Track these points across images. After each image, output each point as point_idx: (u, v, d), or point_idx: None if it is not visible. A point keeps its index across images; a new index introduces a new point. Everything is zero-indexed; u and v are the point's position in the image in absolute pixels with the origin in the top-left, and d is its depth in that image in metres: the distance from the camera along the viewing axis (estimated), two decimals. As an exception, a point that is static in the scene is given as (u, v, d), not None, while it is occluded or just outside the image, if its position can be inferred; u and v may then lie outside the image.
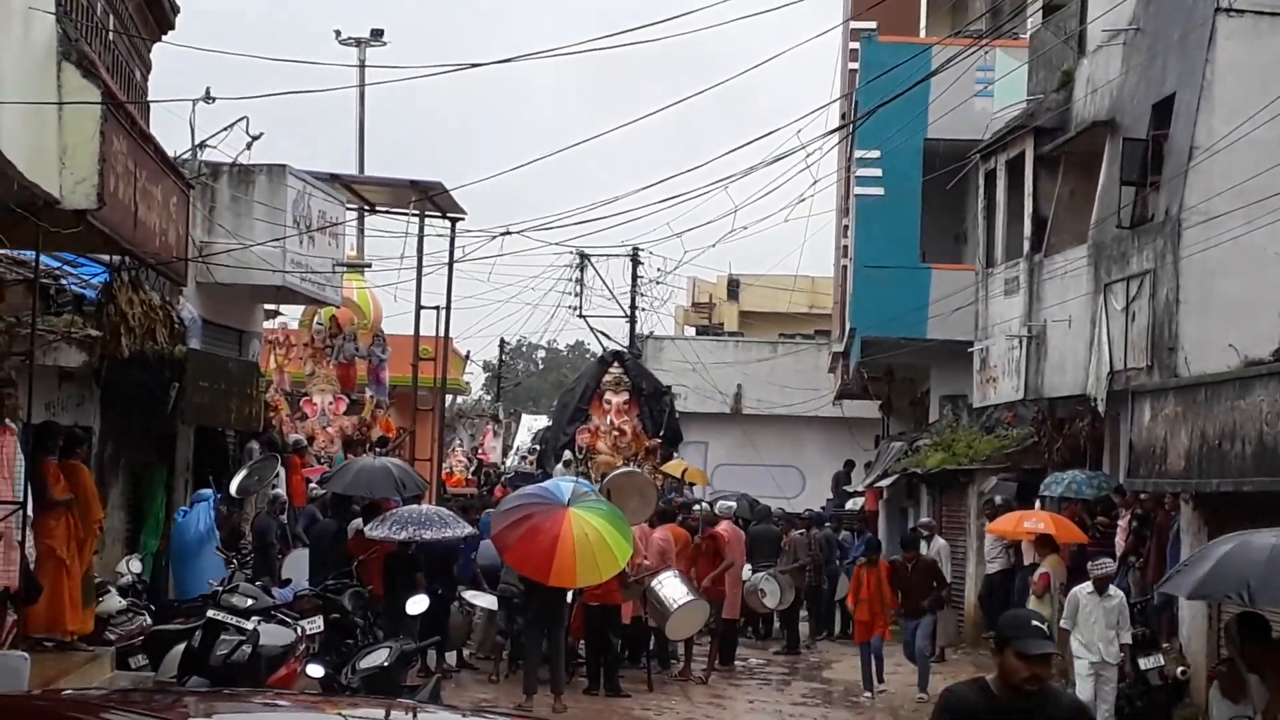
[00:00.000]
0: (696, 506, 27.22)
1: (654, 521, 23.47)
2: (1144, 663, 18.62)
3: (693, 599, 21.69)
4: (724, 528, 24.45)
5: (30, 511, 13.95)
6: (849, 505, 38.14)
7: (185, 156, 22.21)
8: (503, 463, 47.82)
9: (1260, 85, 20.24)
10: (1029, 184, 26.91)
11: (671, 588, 21.64)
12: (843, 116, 37.17)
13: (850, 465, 42.03)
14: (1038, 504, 25.82)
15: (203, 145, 23.08)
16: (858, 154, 35.79)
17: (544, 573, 18.84)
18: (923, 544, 27.90)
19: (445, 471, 37.70)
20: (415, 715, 5.46)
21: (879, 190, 35.39)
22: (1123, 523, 22.61)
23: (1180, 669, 18.86)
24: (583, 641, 21.85)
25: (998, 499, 26.95)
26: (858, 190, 36.38)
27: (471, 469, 42.72)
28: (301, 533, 23.39)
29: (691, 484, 35.30)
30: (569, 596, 20.49)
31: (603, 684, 20.95)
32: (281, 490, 23.84)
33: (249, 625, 14.59)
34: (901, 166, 34.46)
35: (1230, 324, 20.37)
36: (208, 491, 20.49)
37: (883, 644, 22.36)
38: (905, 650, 22.92)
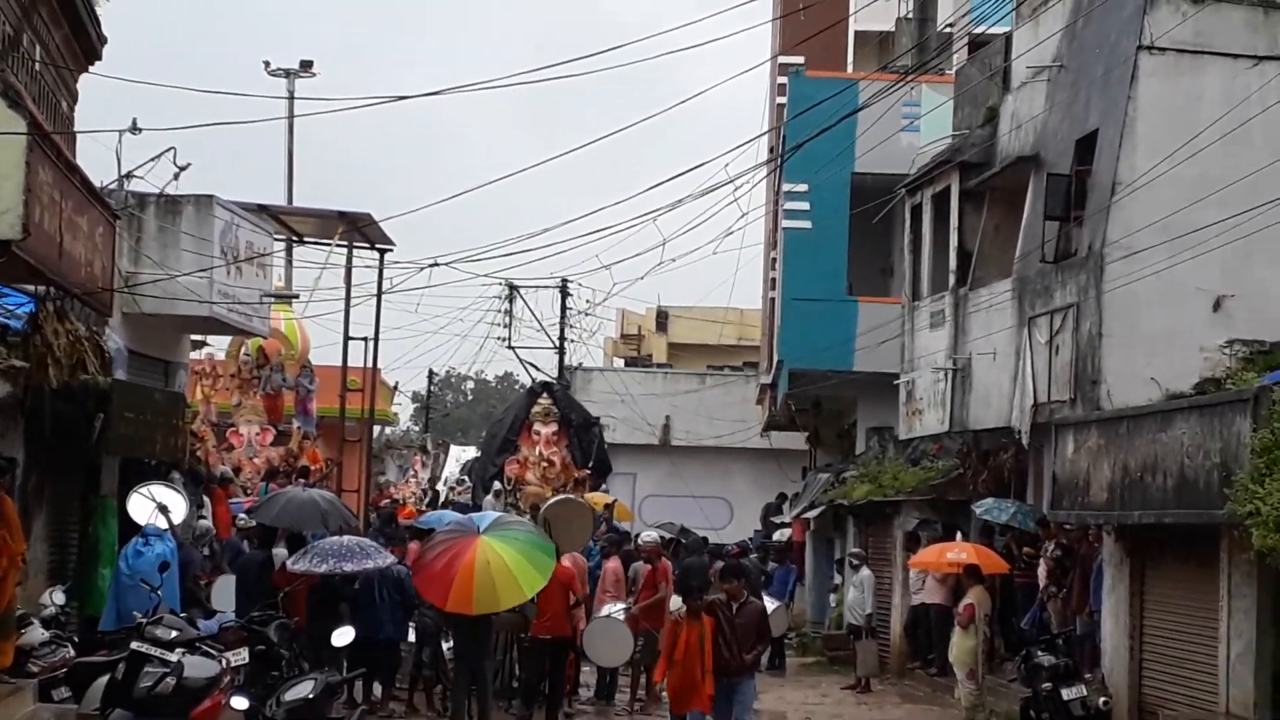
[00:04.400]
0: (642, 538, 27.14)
1: (607, 552, 23.74)
2: (1066, 693, 18.74)
3: (609, 618, 21.73)
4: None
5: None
6: (776, 536, 38.26)
7: (112, 187, 22.10)
8: (429, 493, 47.70)
9: (1181, 122, 20.51)
10: (954, 218, 27.11)
11: (604, 610, 21.83)
12: (771, 150, 37.38)
13: (783, 498, 42.16)
14: (958, 535, 26.02)
15: (129, 176, 22.99)
16: (786, 187, 35.98)
17: (442, 598, 18.84)
18: (850, 572, 28.09)
19: (399, 503, 37.58)
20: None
21: (807, 224, 35.59)
22: (1046, 554, 22.80)
23: (1102, 699, 19.00)
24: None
25: (922, 534, 27.12)
26: (786, 223, 36.56)
27: (426, 500, 42.56)
28: (224, 563, 23.26)
29: (617, 520, 35.31)
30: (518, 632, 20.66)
31: (546, 715, 20.97)
32: (208, 521, 23.70)
33: (173, 657, 14.48)
34: (829, 200, 34.68)
35: (1152, 357, 20.60)
36: (159, 526, 20.32)
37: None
38: None
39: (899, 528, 29.02)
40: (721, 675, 16.69)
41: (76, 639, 17.61)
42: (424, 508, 37.61)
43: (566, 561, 21.60)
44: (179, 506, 20.13)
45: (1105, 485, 19.50)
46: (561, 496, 27.23)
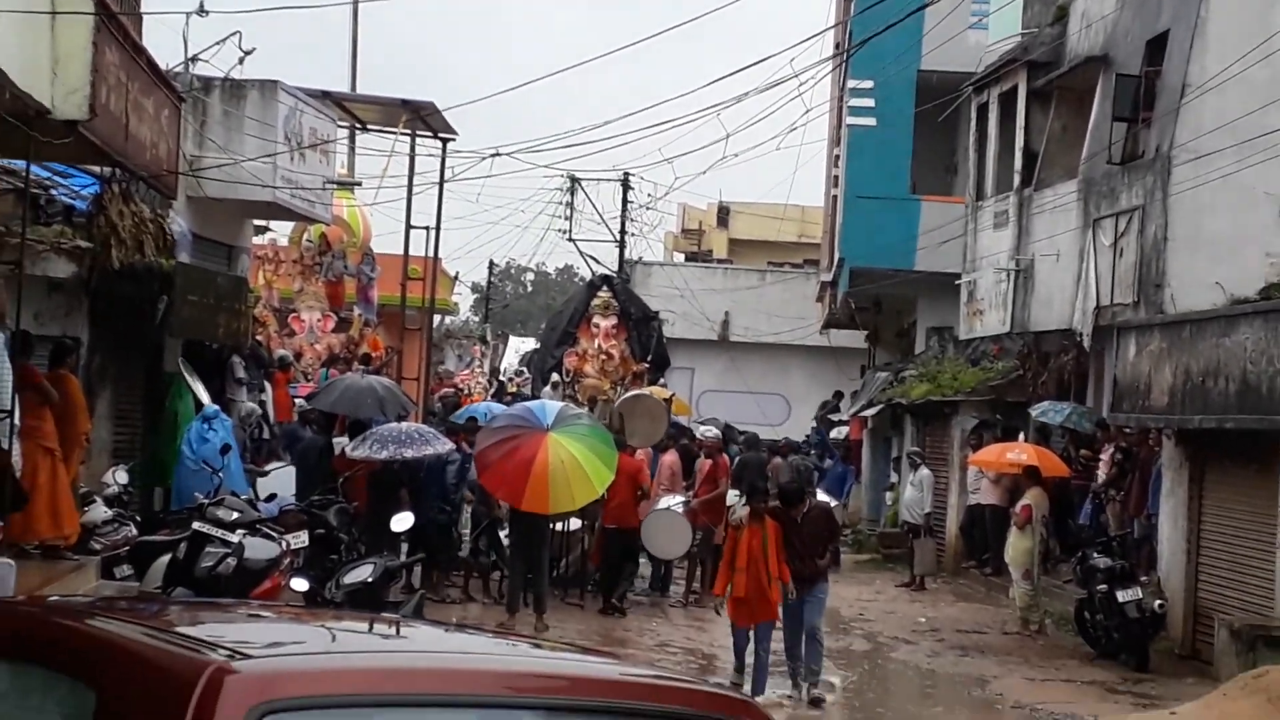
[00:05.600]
0: (701, 432, 27.19)
1: (665, 445, 23.83)
2: (1122, 595, 18.79)
3: (668, 510, 21.82)
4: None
5: (18, 420, 14.00)
6: (834, 434, 38.28)
7: (177, 70, 22.10)
8: (495, 384, 47.81)
9: (1254, 24, 20.25)
10: (1021, 118, 26.89)
11: (663, 502, 21.93)
12: (837, 45, 37.05)
13: (839, 396, 42.14)
14: (1021, 436, 25.99)
15: (195, 59, 22.96)
16: (851, 83, 35.70)
17: (517, 498, 18.89)
18: (909, 471, 28.11)
19: (464, 393, 37.68)
20: (398, 630, 5.52)
21: (871, 120, 35.34)
22: (1105, 456, 22.76)
23: (1158, 602, 19.02)
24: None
25: (982, 434, 27.12)
26: (850, 120, 36.32)
27: (492, 390, 42.64)
28: (280, 447, 23.48)
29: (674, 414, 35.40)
30: (572, 522, 20.78)
31: (605, 600, 21.27)
32: (254, 405, 23.86)
33: (234, 538, 14.64)
34: (894, 97, 34.41)
35: (1217, 262, 20.45)
36: (215, 407, 20.54)
37: (771, 632, 16.41)
38: (788, 635, 16.58)
39: (957, 427, 29.00)
40: (794, 581, 16.02)
41: (139, 517, 17.84)
42: (489, 398, 37.73)
43: (633, 453, 21.76)
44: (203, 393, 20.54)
45: (1166, 389, 19.42)
46: (636, 392, 27.34)
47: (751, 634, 16.18)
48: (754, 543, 15.88)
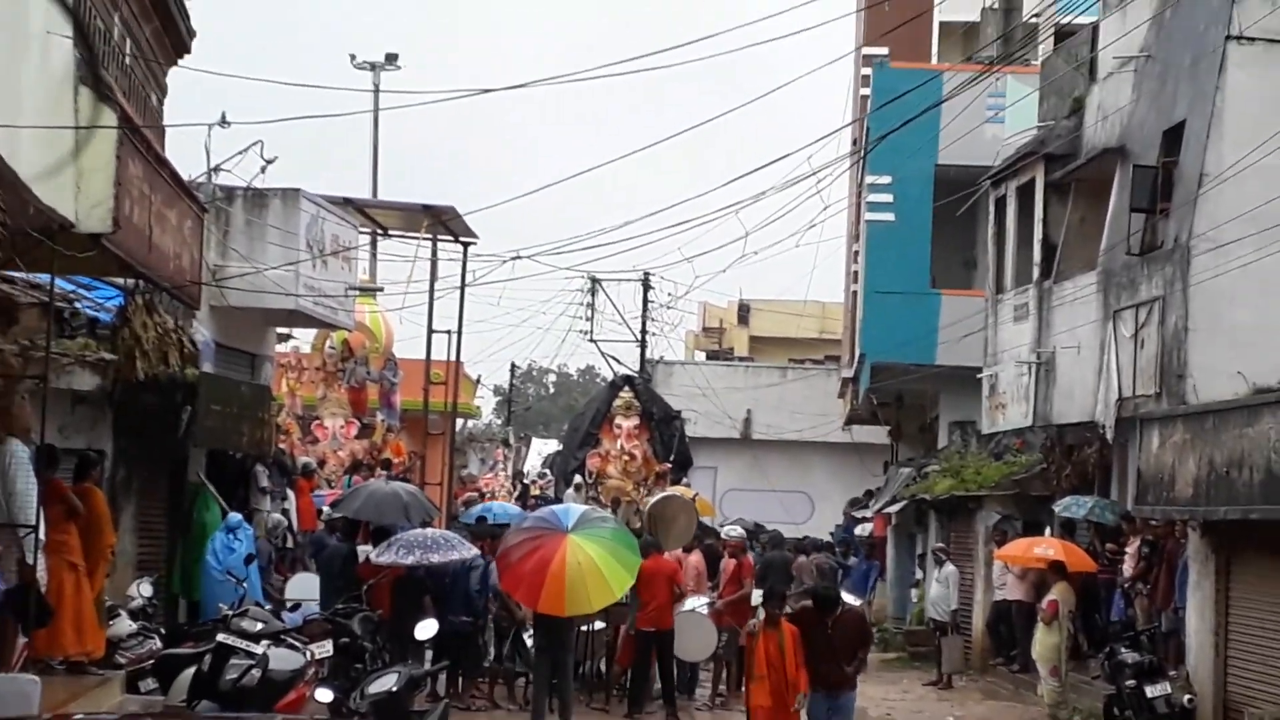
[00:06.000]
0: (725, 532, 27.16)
1: (690, 546, 23.82)
2: (1151, 690, 18.61)
3: (693, 612, 21.73)
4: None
5: (42, 535, 14.03)
6: (858, 530, 38.16)
7: (200, 180, 22.29)
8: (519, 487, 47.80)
9: (1270, 112, 20.31)
10: (1039, 210, 26.96)
11: (688, 604, 21.85)
12: (854, 142, 37.26)
13: (870, 495, 42.03)
14: (1046, 531, 25.89)
15: (217, 169, 23.16)
16: (869, 179, 35.88)
17: (533, 599, 18.77)
18: (934, 568, 27.98)
19: (489, 495, 37.65)
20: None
21: (890, 216, 35.48)
22: (1131, 549, 22.63)
23: (1187, 697, 18.85)
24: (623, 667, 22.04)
25: (1005, 530, 27.00)
26: (869, 215, 36.46)
27: (516, 494, 42.62)
28: (306, 556, 23.46)
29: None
30: (597, 624, 20.71)
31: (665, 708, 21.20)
32: (279, 515, 23.89)
33: (258, 649, 14.59)
34: (913, 192, 34.56)
35: (1239, 351, 20.39)
36: (239, 516, 20.58)
37: None
38: None
39: (981, 523, 28.88)
40: (820, 688, 15.54)
41: (163, 630, 17.82)
42: (514, 501, 37.71)
43: (670, 555, 21.89)
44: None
45: (1191, 480, 19.34)
46: (666, 493, 27.33)
47: None
48: (770, 648, 15.46)
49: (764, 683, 15.45)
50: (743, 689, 16.76)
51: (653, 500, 25.67)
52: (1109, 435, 23.35)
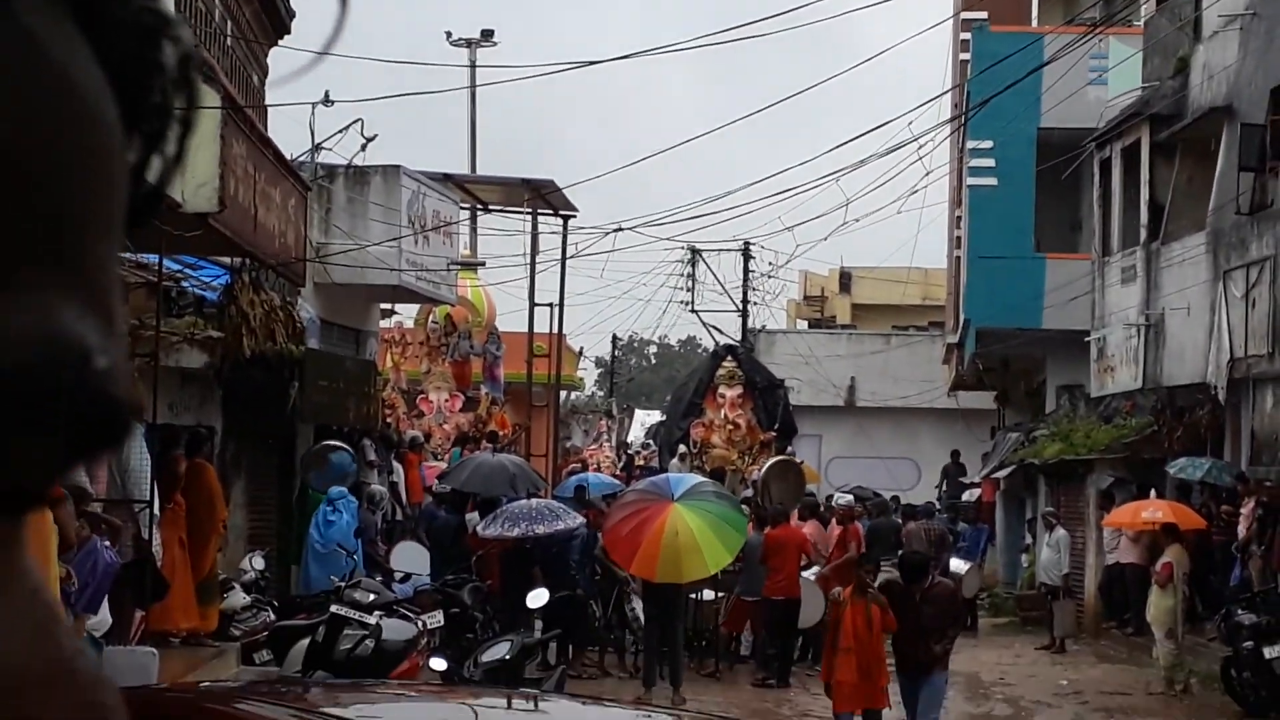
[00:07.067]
0: (836, 500, 27.16)
1: (804, 515, 23.90)
2: (1269, 652, 18.41)
3: (804, 578, 21.77)
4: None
5: (157, 510, 14.21)
6: (965, 496, 37.93)
7: (302, 159, 22.44)
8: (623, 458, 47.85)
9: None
10: (1145, 171, 26.66)
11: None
12: (955, 107, 36.97)
13: (956, 455, 41.74)
14: (1152, 493, 25.59)
15: (319, 147, 23.31)
16: (970, 144, 35.56)
17: (628, 560, 19.05)
18: (1044, 533, 27.78)
19: (594, 466, 37.76)
20: (536, 705, 5.52)
21: (992, 180, 35.16)
22: (1245, 510, 22.36)
23: (1305, 658, 18.62)
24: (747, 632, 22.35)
25: (1116, 494, 26.74)
26: (971, 181, 36.16)
27: (620, 464, 42.68)
28: (415, 528, 23.61)
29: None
30: (706, 592, 20.72)
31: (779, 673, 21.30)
32: (381, 487, 24.04)
33: (371, 620, 14.74)
34: (1015, 156, 34.21)
35: (1354, 309, 20.11)
36: (341, 489, 20.72)
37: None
38: None
39: (1092, 486, 28.62)
40: (908, 669, 14.42)
41: (276, 602, 18.01)
42: (619, 472, 37.76)
43: (800, 526, 22.28)
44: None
45: (1306, 440, 19.09)
46: (780, 458, 27.37)
47: None
48: (858, 621, 14.17)
49: (850, 656, 14.20)
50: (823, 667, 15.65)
51: (767, 465, 25.71)
52: (1221, 396, 23.08)
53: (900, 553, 18.30)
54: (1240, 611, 19.30)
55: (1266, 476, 21.11)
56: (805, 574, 21.99)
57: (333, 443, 21.15)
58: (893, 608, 14.21)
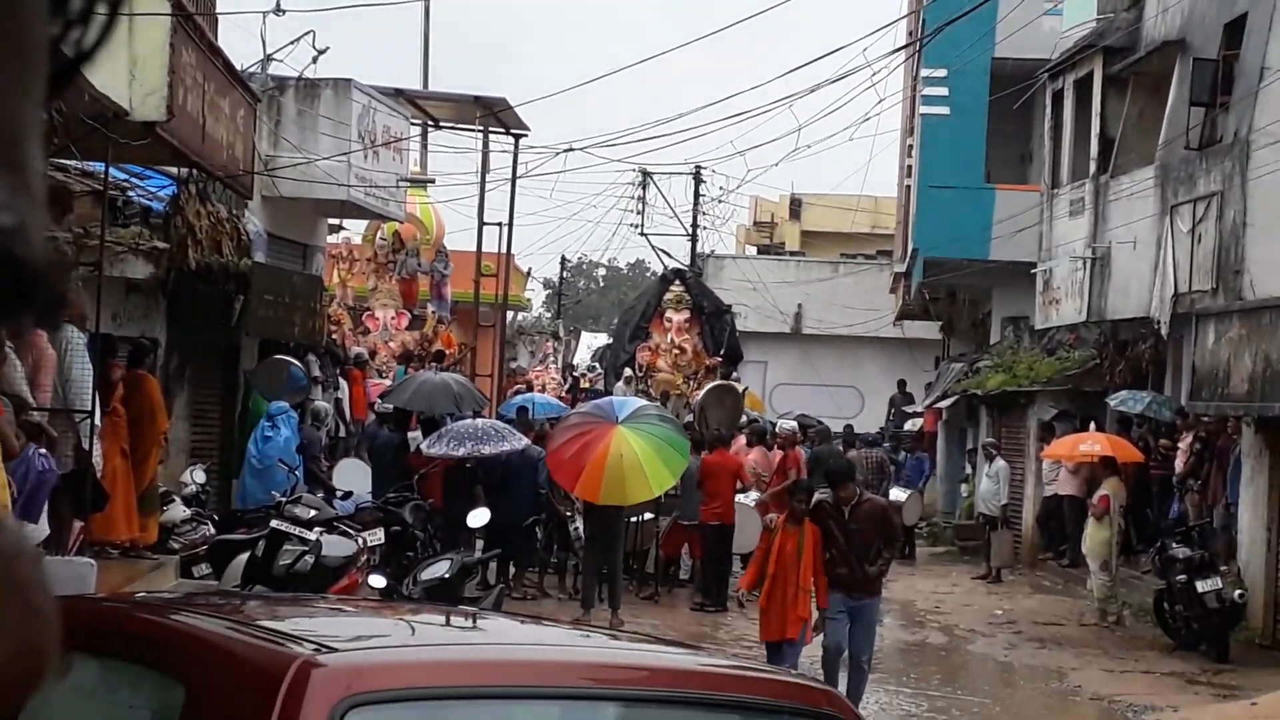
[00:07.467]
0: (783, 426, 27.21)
1: (750, 441, 23.92)
2: (1201, 585, 18.61)
3: (740, 504, 21.86)
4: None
5: (98, 420, 14.14)
6: (908, 426, 38.12)
7: (253, 70, 22.23)
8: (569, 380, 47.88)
9: (1333, 6, 20.01)
10: (1097, 104, 26.69)
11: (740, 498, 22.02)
12: (910, 34, 36.88)
13: (903, 384, 41.92)
14: (1092, 426, 25.75)
15: (270, 59, 23.12)
16: (924, 72, 35.50)
17: (570, 483, 19.08)
18: (984, 463, 27.97)
19: (539, 387, 37.77)
20: (474, 622, 5.53)
21: (945, 109, 35.11)
22: (1183, 445, 22.57)
23: (1238, 592, 18.84)
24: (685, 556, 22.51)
25: (1057, 426, 26.89)
26: (923, 109, 36.10)
27: (566, 386, 42.68)
28: (358, 445, 23.59)
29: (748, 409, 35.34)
30: (646, 515, 20.83)
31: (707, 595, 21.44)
32: (327, 405, 23.97)
33: (311, 536, 14.73)
34: (968, 85, 34.16)
35: (1297, 247, 20.21)
36: (282, 404, 20.63)
37: (798, 654, 14.24)
38: (826, 653, 14.21)
39: (1033, 418, 28.81)
40: (839, 592, 13.90)
41: (216, 516, 17.98)
42: (564, 394, 37.79)
43: (746, 452, 22.36)
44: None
45: (1246, 376, 19.23)
46: (718, 383, 27.40)
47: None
48: (788, 547, 13.82)
49: (774, 583, 13.88)
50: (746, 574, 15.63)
51: (702, 393, 25.73)
52: (1164, 331, 23.23)
53: (825, 465, 18.07)
54: (1175, 545, 19.50)
55: (1205, 412, 21.27)
56: (745, 499, 22.08)
57: (284, 357, 21.08)
58: (823, 527, 13.88)
